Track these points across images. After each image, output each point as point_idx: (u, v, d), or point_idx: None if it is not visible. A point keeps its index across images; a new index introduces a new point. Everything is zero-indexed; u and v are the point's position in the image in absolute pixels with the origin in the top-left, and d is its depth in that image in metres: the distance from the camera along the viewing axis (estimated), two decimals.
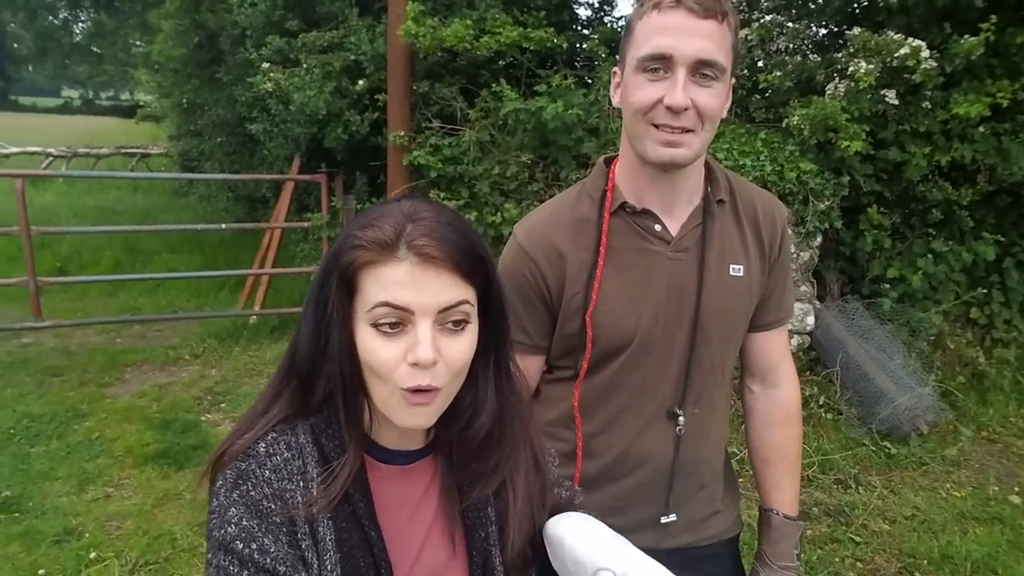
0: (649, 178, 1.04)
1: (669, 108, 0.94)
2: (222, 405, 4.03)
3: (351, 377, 0.72)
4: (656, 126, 0.97)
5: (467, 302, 0.70)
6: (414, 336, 0.67)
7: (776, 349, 1.20)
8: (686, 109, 0.94)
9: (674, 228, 1.07)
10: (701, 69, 0.94)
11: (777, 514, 1.19)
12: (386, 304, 0.67)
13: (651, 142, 0.98)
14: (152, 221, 8.75)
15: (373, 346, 0.68)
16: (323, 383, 0.73)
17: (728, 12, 0.95)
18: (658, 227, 1.06)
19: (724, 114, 1.01)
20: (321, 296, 0.72)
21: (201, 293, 6.12)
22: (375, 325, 0.68)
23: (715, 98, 0.96)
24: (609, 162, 1.13)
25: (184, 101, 8.24)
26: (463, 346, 0.70)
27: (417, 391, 0.68)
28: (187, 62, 7.74)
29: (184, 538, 2.73)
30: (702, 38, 0.93)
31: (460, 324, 0.70)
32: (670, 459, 1.11)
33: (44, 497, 2.99)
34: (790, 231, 1.19)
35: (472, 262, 0.70)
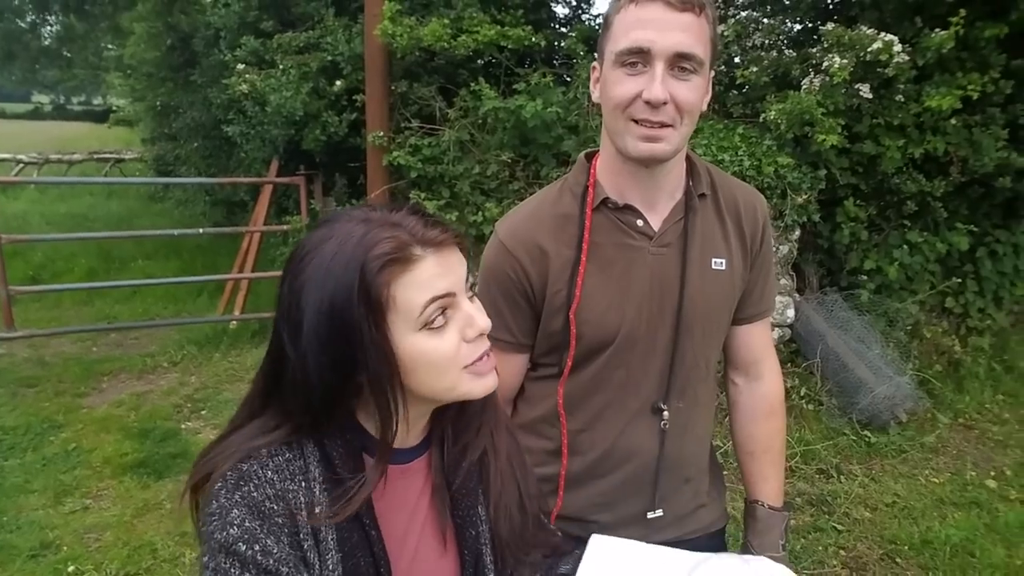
0: (630, 173, 1.04)
1: (648, 102, 0.94)
2: (202, 412, 3.97)
3: (391, 393, 0.70)
4: (635, 121, 0.96)
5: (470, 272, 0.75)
6: (462, 313, 0.72)
7: (759, 342, 1.20)
8: (665, 103, 0.93)
9: (656, 223, 1.06)
10: (679, 63, 0.93)
11: (763, 505, 1.19)
12: (433, 299, 0.69)
13: (631, 137, 0.97)
14: (127, 227, 8.59)
15: (431, 346, 0.70)
16: (341, 406, 0.72)
17: (705, 5, 0.95)
18: (640, 222, 1.06)
19: (704, 107, 1.00)
20: (341, 332, 0.68)
21: (179, 299, 6.03)
22: (426, 326, 0.70)
23: (693, 92, 0.95)
24: (590, 157, 1.12)
25: (158, 104, 8.11)
26: (481, 311, 0.76)
27: (482, 362, 0.74)
28: (160, 65, 7.62)
29: (165, 548, 2.69)
30: (680, 31, 0.92)
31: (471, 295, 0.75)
32: (655, 454, 1.10)
33: (19, 511, 2.92)
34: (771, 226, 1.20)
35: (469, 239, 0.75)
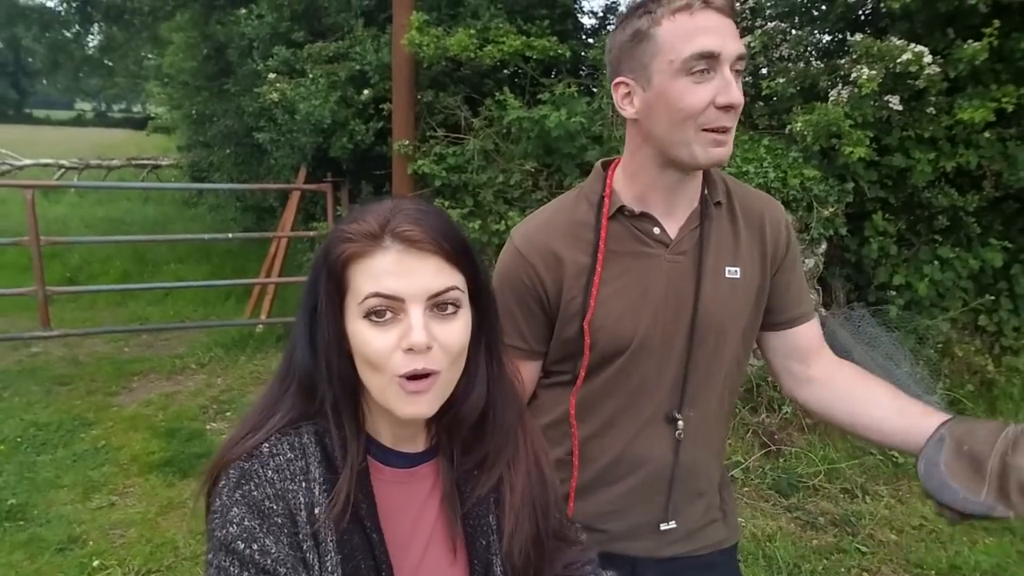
0: (662, 182, 1.03)
1: (727, 106, 0.93)
2: (227, 414, 4.04)
3: (346, 374, 0.73)
4: (705, 129, 0.95)
5: (456, 288, 0.71)
6: (407, 323, 0.68)
7: (815, 336, 1.16)
8: (740, 104, 0.95)
9: (673, 230, 1.06)
10: (737, 65, 0.95)
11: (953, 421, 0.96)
12: (376, 295, 0.68)
13: (699, 146, 0.96)
14: (161, 231, 8.82)
15: (367, 337, 0.69)
16: (322, 385, 0.74)
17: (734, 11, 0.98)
18: (657, 230, 1.05)
19: None
20: (312, 297, 0.73)
21: (208, 302, 6.16)
22: (367, 316, 0.69)
23: (741, 92, 0.97)
24: (607, 166, 1.12)
25: (194, 112, 8.32)
26: (456, 330, 0.71)
27: (414, 378, 0.69)
28: (196, 74, 7.83)
29: (187, 546, 2.74)
30: (733, 35, 0.95)
31: (451, 309, 0.71)
32: (669, 463, 1.09)
33: (49, 505, 3.00)
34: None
35: (458, 247, 0.71)
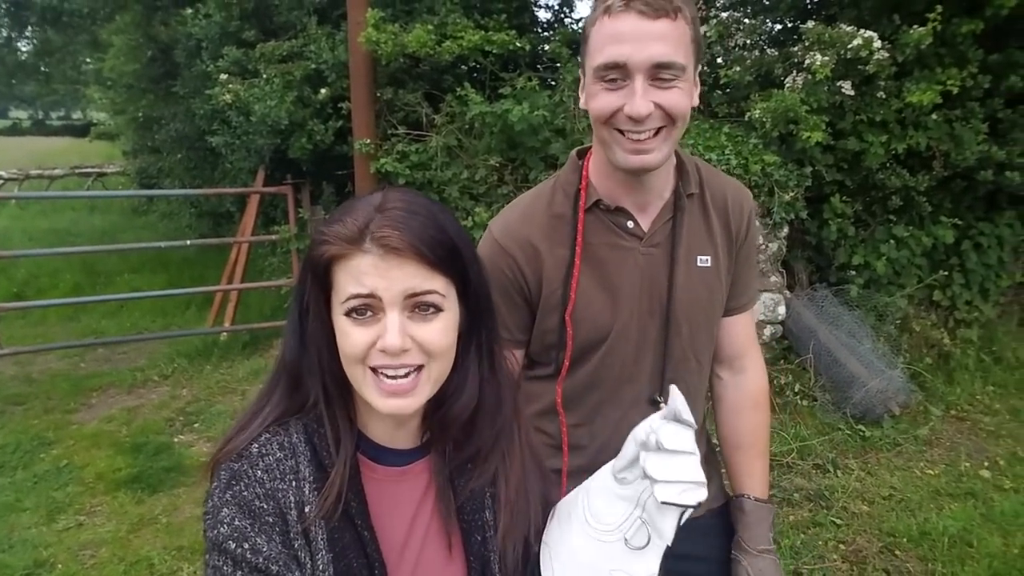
0: (621, 179, 1.05)
1: (630, 117, 0.93)
2: (195, 425, 3.93)
3: (332, 370, 0.74)
4: (621, 132, 0.96)
5: (435, 292, 0.71)
6: (383, 324, 0.70)
7: (742, 335, 1.22)
8: (649, 114, 0.93)
9: (646, 224, 1.08)
10: (659, 73, 0.92)
11: (749, 498, 1.20)
12: (356, 295, 0.69)
13: (619, 149, 0.98)
14: (111, 241, 8.49)
15: (346, 331, 0.71)
16: (311, 380, 0.75)
17: (681, 7, 0.93)
18: (631, 224, 1.08)
19: (694, 103, 1.00)
20: (299, 293, 0.75)
21: (167, 312, 5.97)
22: (348, 314, 0.70)
23: (679, 96, 0.94)
24: (582, 155, 1.13)
25: (140, 116, 8.05)
26: (435, 330, 0.72)
27: (390, 383, 0.71)
28: (141, 77, 7.58)
29: (162, 563, 2.65)
30: (655, 40, 0.90)
31: (432, 310, 0.71)
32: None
33: (11, 530, 2.87)
34: (757, 222, 1.24)
35: (441, 251, 0.71)
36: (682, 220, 1.09)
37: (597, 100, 0.96)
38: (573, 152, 1.14)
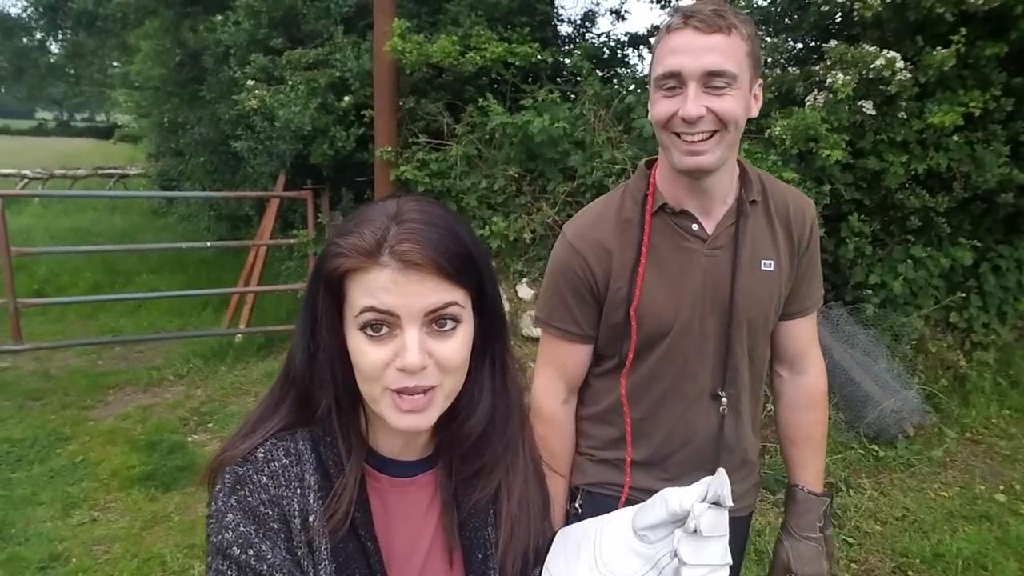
0: (684, 184, 1.13)
1: (684, 119, 1.04)
2: (209, 425, 3.97)
3: (344, 383, 0.72)
4: (678, 135, 1.06)
5: (455, 303, 0.69)
6: (401, 341, 0.67)
7: (804, 337, 1.28)
8: (700, 117, 1.03)
9: (710, 227, 1.16)
10: (711, 80, 1.03)
11: (802, 490, 1.27)
12: (372, 309, 0.67)
13: (676, 152, 1.07)
14: (130, 241, 8.62)
15: (363, 350, 0.68)
16: (319, 392, 0.73)
17: (737, 24, 1.04)
18: (695, 226, 1.15)
19: (753, 113, 1.10)
20: (310, 304, 0.72)
21: (184, 313, 6.04)
22: (363, 329, 0.68)
23: (732, 102, 1.04)
24: (650, 164, 1.22)
25: (165, 120, 8.19)
26: (455, 346, 0.70)
27: (409, 404, 0.69)
28: (167, 81, 7.73)
29: (174, 560, 2.68)
30: (708, 51, 1.02)
31: (450, 324, 0.69)
32: (714, 436, 1.19)
33: (27, 523, 2.91)
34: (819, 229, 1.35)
35: (459, 263, 0.69)
36: (745, 225, 1.16)
37: (657, 107, 1.08)
38: (641, 162, 1.23)
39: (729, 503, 0.69)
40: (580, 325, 1.20)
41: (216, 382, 4.56)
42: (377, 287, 0.66)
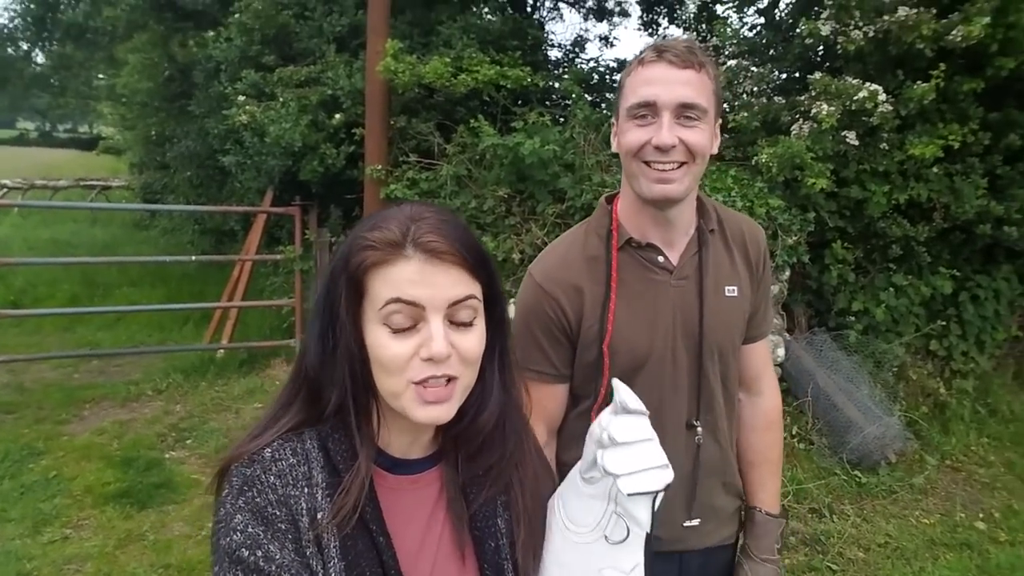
0: (649, 215, 1.15)
1: (657, 147, 1.05)
2: (187, 442, 3.89)
3: (362, 379, 0.73)
4: (647, 163, 1.07)
5: (475, 296, 0.72)
6: (427, 332, 0.69)
7: (760, 360, 1.30)
8: (673, 146, 1.05)
9: (675, 258, 1.17)
10: (684, 112, 1.05)
11: (760, 511, 1.29)
12: (397, 300, 0.69)
13: (645, 180, 1.08)
14: (110, 254, 8.49)
15: (385, 343, 0.70)
16: (332, 389, 0.74)
17: (706, 63, 1.07)
18: (661, 258, 1.17)
19: (714, 150, 1.12)
20: (328, 301, 0.73)
21: (164, 327, 5.95)
22: (385, 323, 0.69)
23: (701, 135, 1.07)
24: (610, 200, 1.23)
25: (152, 133, 8.14)
26: (474, 339, 0.73)
27: (432, 390, 0.70)
28: (155, 95, 7.70)
29: None
30: (682, 84, 1.05)
31: (470, 317, 0.72)
32: (691, 467, 1.19)
33: None
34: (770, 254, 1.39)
35: (479, 256, 0.72)
36: (707, 253, 1.18)
37: (628, 135, 1.09)
38: (602, 198, 1.24)
39: (635, 406, 0.71)
40: (555, 366, 1.19)
41: (196, 398, 4.49)
42: (402, 279, 0.68)
